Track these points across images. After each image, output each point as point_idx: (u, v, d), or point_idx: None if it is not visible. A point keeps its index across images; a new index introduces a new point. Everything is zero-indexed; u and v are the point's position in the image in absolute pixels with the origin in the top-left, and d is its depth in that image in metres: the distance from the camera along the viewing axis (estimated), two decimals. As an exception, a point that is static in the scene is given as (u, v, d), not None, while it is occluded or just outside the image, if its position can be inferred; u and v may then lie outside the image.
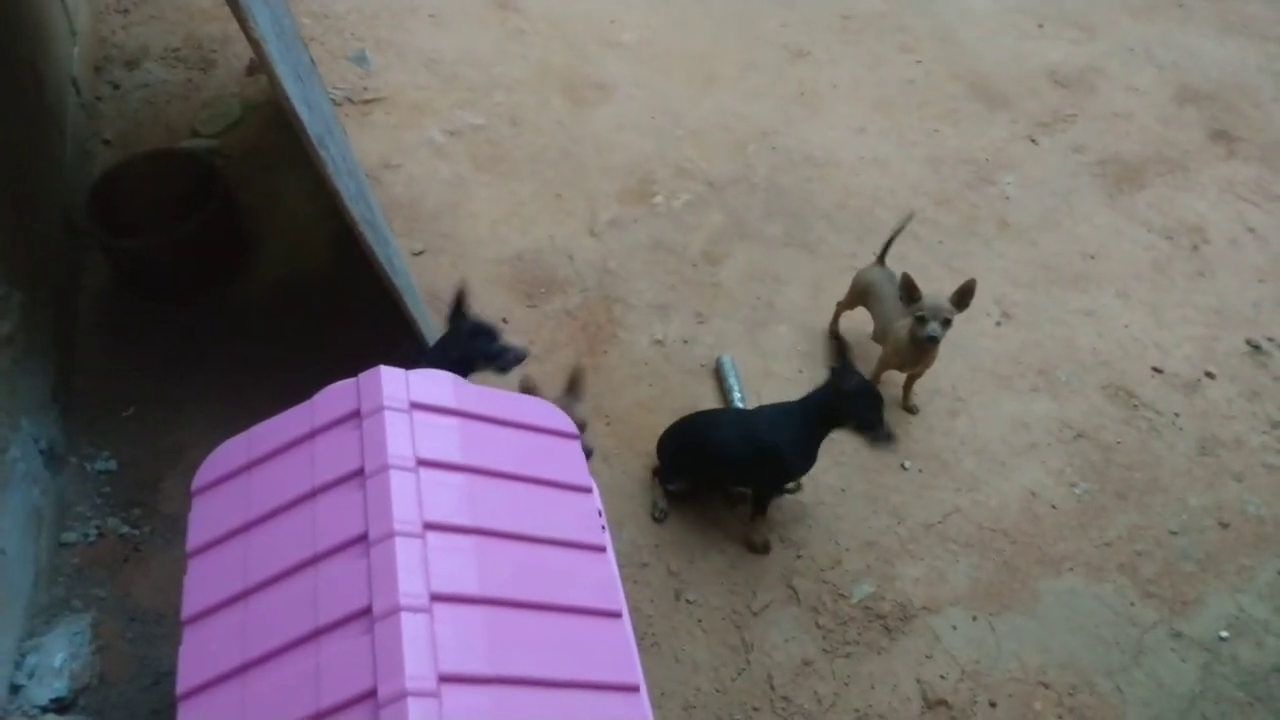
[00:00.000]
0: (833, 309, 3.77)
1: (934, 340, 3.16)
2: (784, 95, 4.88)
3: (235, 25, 2.20)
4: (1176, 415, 3.61)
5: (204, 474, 2.07)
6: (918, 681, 2.90)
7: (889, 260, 3.63)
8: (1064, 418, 3.58)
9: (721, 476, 3.23)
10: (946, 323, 3.16)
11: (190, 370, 3.42)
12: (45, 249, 3.36)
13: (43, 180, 3.49)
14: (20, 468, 2.76)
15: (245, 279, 3.76)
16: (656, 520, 3.21)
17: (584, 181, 4.32)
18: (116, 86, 4.46)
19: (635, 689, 1.93)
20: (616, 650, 1.96)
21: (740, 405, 3.46)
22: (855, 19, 5.37)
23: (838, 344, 2.93)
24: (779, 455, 2.94)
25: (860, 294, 3.60)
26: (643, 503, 3.25)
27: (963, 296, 3.15)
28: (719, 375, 3.60)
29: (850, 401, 2.81)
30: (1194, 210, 4.42)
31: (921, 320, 3.15)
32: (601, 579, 2.07)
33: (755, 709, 2.82)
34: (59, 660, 2.59)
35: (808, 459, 2.98)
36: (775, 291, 3.94)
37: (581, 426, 2.68)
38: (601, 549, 2.12)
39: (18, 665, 2.56)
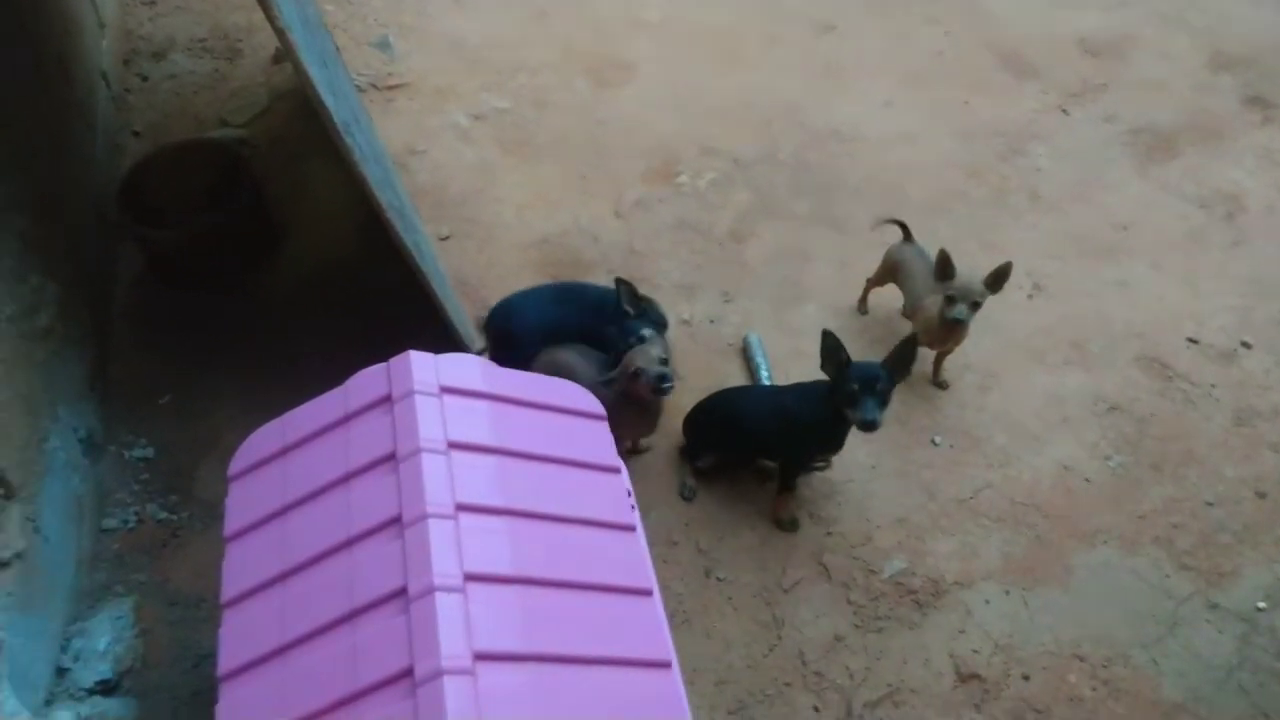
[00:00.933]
0: (861, 286, 3.75)
1: (959, 322, 3.14)
2: (810, 70, 4.83)
3: (260, 14, 2.22)
4: (1212, 386, 3.56)
5: (240, 460, 2.11)
6: (950, 656, 2.89)
7: (918, 237, 3.60)
8: (1097, 390, 3.54)
9: (749, 450, 3.23)
10: (975, 305, 3.13)
11: (224, 358, 3.47)
12: (79, 241, 3.41)
13: (74, 173, 3.54)
14: (60, 456, 2.82)
15: (275, 267, 3.80)
16: (685, 499, 3.22)
17: (609, 163, 4.31)
18: (145, 78, 4.50)
19: (667, 665, 1.95)
20: (648, 627, 1.98)
21: (767, 383, 3.46)
22: (880, -9, 5.31)
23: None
24: (806, 428, 2.93)
25: (890, 270, 3.57)
26: (671, 482, 3.26)
27: (997, 279, 3.12)
28: (746, 354, 3.60)
29: (843, 372, 2.75)
30: (1229, 179, 4.34)
31: (951, 300, 3.13)
32: (632, 558, 2.09)
33: (787, 684, 2.83)
34: (103, 644, 2.65)
35: (834, 437, 2.97)
36: (802, 269, 3.92)
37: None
38: (631, 528, 2.14)
39: (63, 649, 2.63)
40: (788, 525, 3.14)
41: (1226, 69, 4.88)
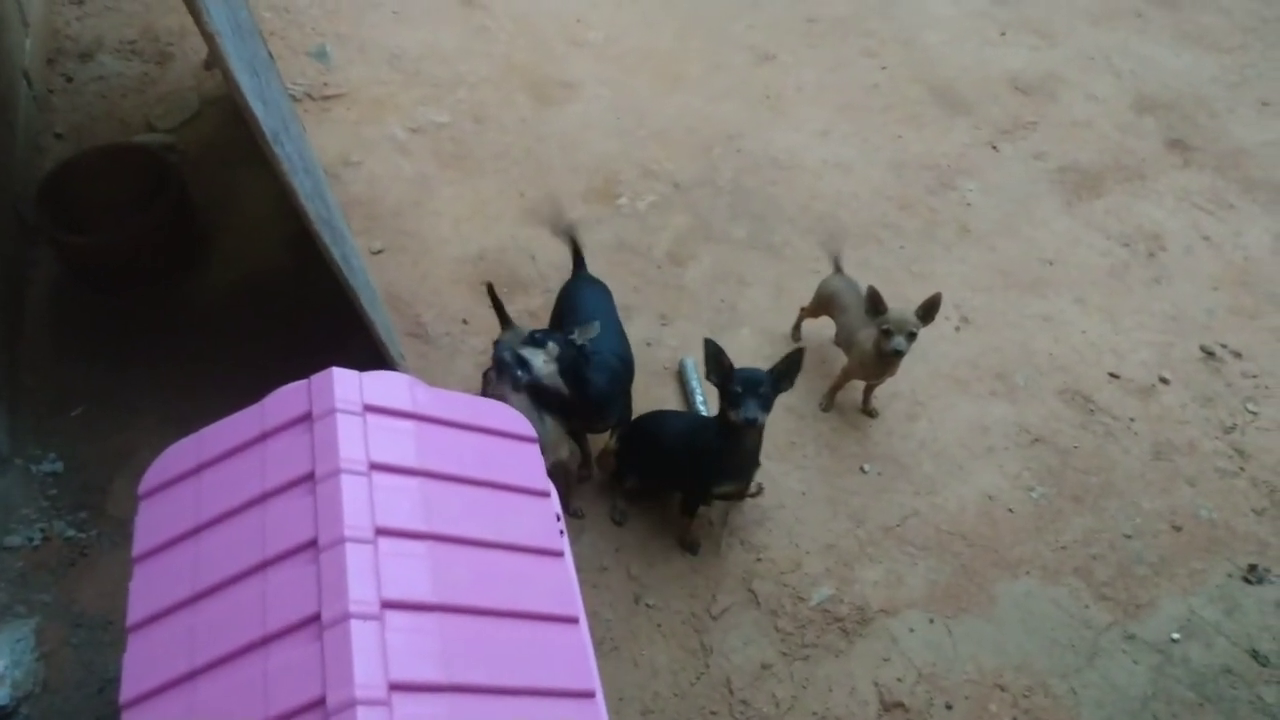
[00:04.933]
0: (795, 312, 3.77)
1: (899, 354, 3.19)
2: (750, 97, 4.88)
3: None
4: (1132, 420, 3.65)
5: (152, 477, 2.03)
6: (875, 684, 2.91)
7: (849, 267, 3.64)
8: (1021, 422, 3.61)
9: (663, 474, 3.21)
10: (911, 336, 3.18)
11: (141, 370, 3.36)
12: (-8, 244, 3.28)
13: (-10, 173, 3.41)
14: (-38, 469, 2.69)
15: (200, 277, 3.70)
16: (616, 522, 3.19)
17: (548, 181, 4.29)
18: (70, 79, 4.37)
19: (591, 695, 1.91)
20: (573, 656, 1.94)
21: (703, 407, 3.46)
22: (820, 22, 5.39)
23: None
24: (705, 452, 2.93)
25: (824, 302, 3.61)
26: (603, 506, 3.23)
27: (928, 310, 3.17)
28: (681, 378, 3.60)
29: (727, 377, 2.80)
30: (1151, 218, 4.48)
31: (888, 334, 3.17)
32: (559, 584, 2.05)
33: (713, 713, 2.81)
34: (1, 667, 2.52)
35: (731, 462, 2.94)
36: (739, 294, 3.94)
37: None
38: (559, 554, 2.10)
39: (-43, 672, 2.50)
40: (689, 547, 3.14)
41: (1150, 111, 5.05)
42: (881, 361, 3.29)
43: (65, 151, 3.96)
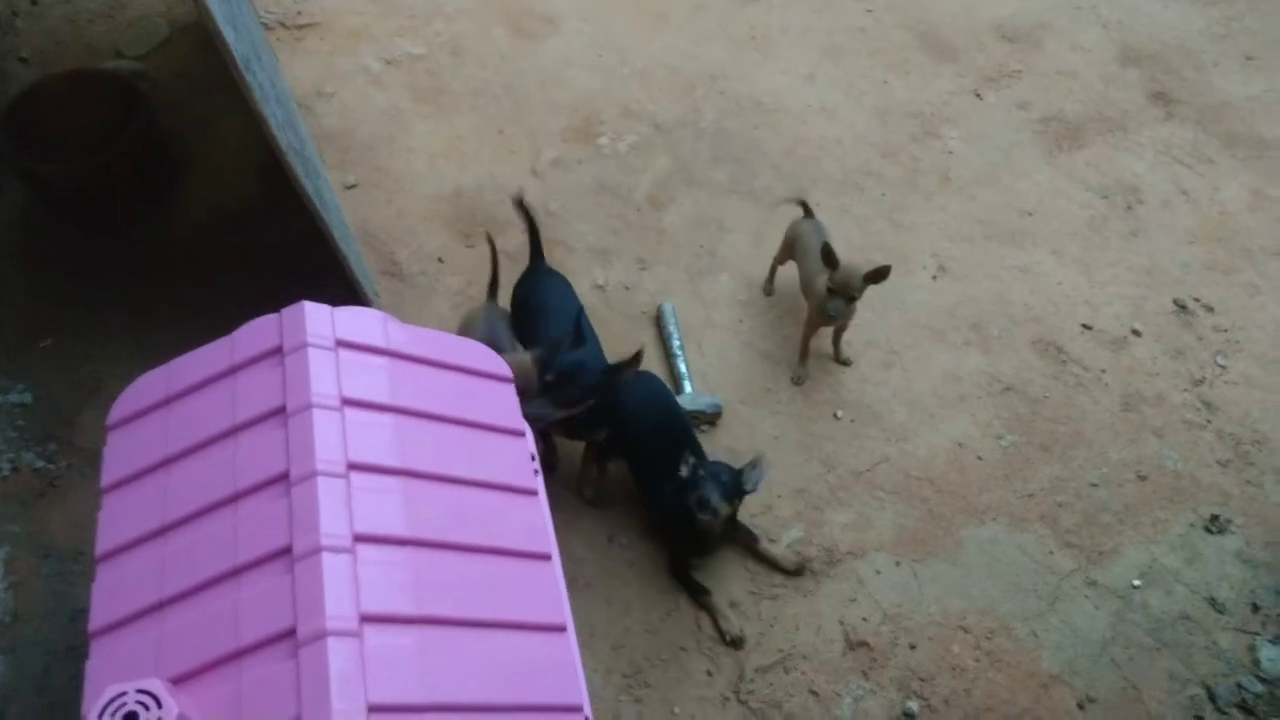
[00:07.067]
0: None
1: (833, 317, 3.26)
2: (734, 38, 4.80)
3: (156, -63, 2.10)
4: (1103, 371, 3.69)
5: (120, 408, 2.01)
6: (841, 623, 2.96)
7: (829, 214, 3.62)
8: (994, 371, 3.64)
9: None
10: (851, 300, 3.22)
11: (111, 301, 3.31)
12: (-45, 169, 3.20)
13: (-48, 96, 3.31)
14: (-73, 398, 2.66)
15: (171, 207, 3.63)
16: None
17: (527, 118, 4.22)
18: (35, 2, 4.23)
19: (562, 629, 1.93)
20: (545, 592, 1.97)
21: (680, 353, 3.45)
22: (807, -37, 5.29)
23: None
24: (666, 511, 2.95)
25: (790, 247, 3.59)
26: (580, 447, 3.23)
27: (876, 276, 3.19)
28: (659, 323, 3.59)
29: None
30: (1131, 170, 4.47)
31: (831, 293, 3.21)
32: (532, 522, 2.06)
33: (683, 649, 2.86)
34: (-30, 596, 2.52)
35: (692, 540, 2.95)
36: (718, 239, 3.92)
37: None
38: (533, 492, 2.11)
39: (-74, 601, 2.50)
40: (733, 642, 2.94)
41: (1134, 63, 5.01)
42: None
43: (30, 76, 3.86)
